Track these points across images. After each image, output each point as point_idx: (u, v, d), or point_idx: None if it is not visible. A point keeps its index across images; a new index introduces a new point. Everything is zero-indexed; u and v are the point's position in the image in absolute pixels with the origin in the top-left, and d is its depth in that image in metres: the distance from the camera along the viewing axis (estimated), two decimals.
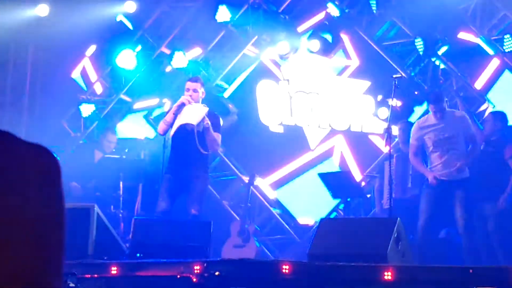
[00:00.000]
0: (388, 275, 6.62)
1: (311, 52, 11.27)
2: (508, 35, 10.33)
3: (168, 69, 11.70)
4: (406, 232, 7.72)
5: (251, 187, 10.69)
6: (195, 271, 7.07)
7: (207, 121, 8.72)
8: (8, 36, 11.41)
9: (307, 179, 11.53)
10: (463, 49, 10.59)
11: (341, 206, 10.75)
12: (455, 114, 8.98)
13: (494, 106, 10.35)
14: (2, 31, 11.31)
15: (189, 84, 8.93)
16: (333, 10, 11.23)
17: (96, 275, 7.30)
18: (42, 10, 11.70)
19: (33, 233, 1.59)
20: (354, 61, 11.44)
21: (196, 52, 11.75)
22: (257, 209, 11.09)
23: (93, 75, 12.19)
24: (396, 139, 10.07)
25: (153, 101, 11.94)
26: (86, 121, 12.02)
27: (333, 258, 7.09)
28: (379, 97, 10.79)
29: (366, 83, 11.23)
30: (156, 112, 11.82)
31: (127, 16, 12.00)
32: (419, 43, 10.64)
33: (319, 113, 11.45)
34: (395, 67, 10.71)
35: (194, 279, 7.04)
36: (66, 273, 6.68)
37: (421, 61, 10.82)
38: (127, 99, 12.16)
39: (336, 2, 11.21)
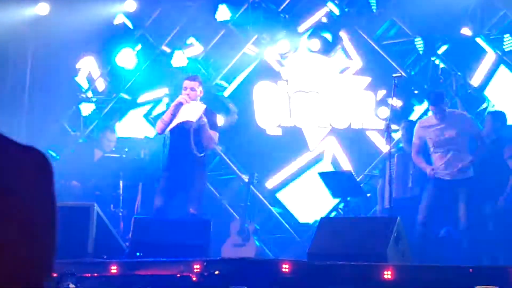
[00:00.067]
0: (387, 274, 6.62)
1: (311, 51, 11.26)
2: (507, 34, 10.33)
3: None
4: (406, 231, 7.73)
5: (251, 186, 10.68)
6: (195, 270, 7.07)
7: (204, 119, 8.72)
8: (8, 35, 11.40)
9: (306, 178, 11.53)
10: (463, 49, 10.58)
11: (341, 205, 10.75)
12: (456, 114, 8.98)
13: (493, 106, 10.34)
14: (2, 29, 11.31)
15: (186, 83, 8.93)
16: (333, 9, 11.24)
17: (95, 274, 7.31)
18: (42, 9, 11.69)
19: (28, 234, 1.61)
20: (354, 61, 11.42)
21: (195, 50, 11.74)
22: (257, 208, 11.08)
23: (94, 74, 12.19)
24: (396, 139, 10.08)
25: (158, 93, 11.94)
26: (86, 120, 12.02)
27: (332, 257, 7.10)
28: (381, 93, 10.79)
29: (367, 79, 11.22)
30: (156, 111, 11.82)
31: (127, 15, 12.00)
32: (419, 43, 10.65)
33: (319, 112, 11.42)
34: (395, 66, 10.71)
35: (194, 278, 7.04)
36: (65, 272, 6.70)
37: (421, 61, 10.82)
38: (127, 98, 12.17)
39: (336, 1, 11.21)
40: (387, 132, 8.37)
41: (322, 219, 8.56)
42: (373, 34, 11.08)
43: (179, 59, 11.51)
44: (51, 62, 11.78)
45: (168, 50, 11.77)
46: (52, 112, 11.83)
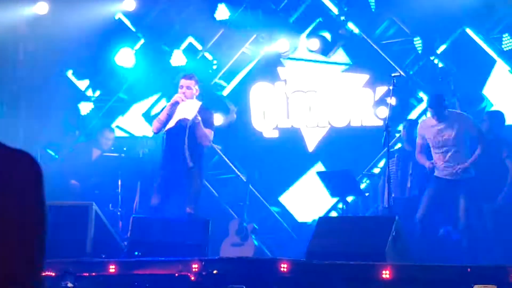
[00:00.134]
0: (386, 274, 6.63)
1: (311, 51, 11.25)
2: (506, 34, 10.33)
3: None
4: (405, 231, 7.73)
5: (250, 185, 10.69)
6: (193, 270, 7.08)
7: (198, 117, 8.71)
8: (7, 34, 11.39)
9: (305, 178, 11.52)
10: (462, 48, 10.58)
11: (340, 205, 10.75)
12: (455, 114, 8.98)
13: (492, 105, 10.35)
14: (0, 28, 11.30)
15: (183, 82, 8.93)
16: (332, 9, 11.24)
17: (94, 274, 7.31)
18: (41, 8, 11.69)
19: (18, 236, 1.64)
20: (354, 60, 11.43)
21: (194, 49, 11.75)
22: (256, 208, 11.08)
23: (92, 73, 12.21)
24: (395, 138, 10.08)
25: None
26: (85, 119, 12.02)
27: (331, 256, 7.10)
28: (380, 90, 10.80)
29: (365, 77, 11.22)
30: (155, 110, 11.81)
31: (126, 14, 12.00)
32: (417, 42, 10.65)
33: (318, 112, 11.42)
34: (394, 65, 10.71)
35: (192, 278, 7.04)
36: (63, 271, 6.70)
37: (419, 60, 10.82)
38: (126, 97, 12.18)
39: (335, 0, 11.21)
40: (385, 132, 8.38)
41: (320, 218, 8.56)
42: (372, 34, 11.08)
43: (178, 58, 11.51)
44: (50, 60, 11.77)
45: (167, 49, 11.76)
46: (51, 111, 11.83)
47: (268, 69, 11.65)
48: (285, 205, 11.59)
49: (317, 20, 11.39)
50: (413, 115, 10.75)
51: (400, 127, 10.14)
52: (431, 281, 6.61)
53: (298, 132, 11.53)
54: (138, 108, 12.16)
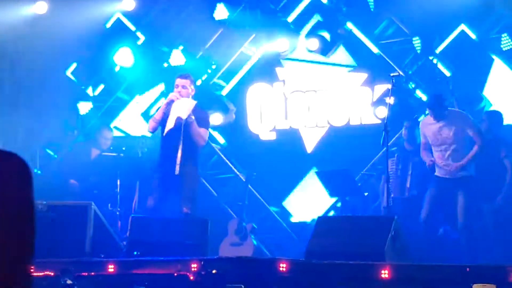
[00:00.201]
0: (385, 273, 6.63)
1: (310, 51, 11.24)
2: (505, 34, 10.33)
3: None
4: (404, 231, 7.73)
5: (249, 185, 10.68)
6: (192, 269, 7.08)
7: (192, 116, 8.70)
8: (6, 33, 11.39)
9: (304, 177, 11.52)
10: (460, 48, 10.58)
11: (339, 204, 10.75)
12: (454, 112, 8.99)
13: (491, 105, 10.35)
14: (0, 28, 11.30)
15: (178, 81, 8.92)
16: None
17: (93, 273, 7.30)
18: (41, 8, 11.69)
19: (7, 236, 1.66)
20: (354, 59, 11.43)
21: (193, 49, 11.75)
22: (255, 207, 11.08)
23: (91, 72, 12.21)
24: (394, 138, 10.07)
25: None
26: (84, 119, 12.02)
27: (330, 256, 7.10)
28: (378, 89, 10.80)
29: (363, 75, 11.21)
30: (154, 110, 11.81)
31: (125, 14, 12.00)
32: (416, 42, 10.65)
33: (317, 111, 11.40)
34: (393, 65, 10.72)
35: (191, 277, 7.05)
36: (62, 269, 6.70)
37: (418, 60, 10.82)
38: (125, 96, 12.17)
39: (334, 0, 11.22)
40: (384, 132, 8.38)
41: (319, 218, 8.56)
42: (371, 33, 11.08)
43: (177, 58, 11.51)
44: (49, 60, 11.77)
45: (166, 49, 11.76)
46: (50, 111, 11.82)
47: (267, 69, 11.64)
48: (284, 204, 11.58)
49: (315, 16, 11.36)
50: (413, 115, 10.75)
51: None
52: (430, 281, 6.61)
53: (297, 133, 11.51)
54: (137, 107, 12.16)
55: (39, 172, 11.25)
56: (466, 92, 10.38)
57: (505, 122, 9.61)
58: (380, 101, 10.72)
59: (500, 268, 6.65)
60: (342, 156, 10.95)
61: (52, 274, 7.06)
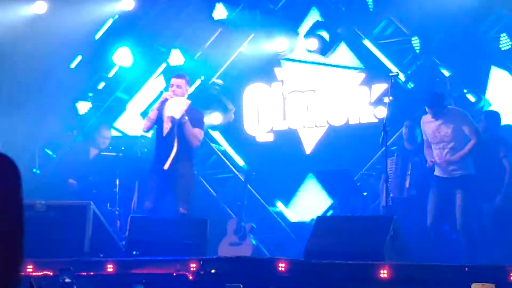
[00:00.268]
0: (384, 273, 6.63)
1: (309, 51, 11.23)
2: (504, 34, 10.34)
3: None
4: (403, 230, 7.73)
5: (248, 185, 10.68)
6: (191, 269, 7.08)
7: (185, 116, 8.67)
8: (5, 33, 11.39)
9: (303, 177, 11.51)
10: (459, 48, 10.59)
11: (338, 204, 10.74)
12: (453, 111, 8.99)
13: (490, 105, 10.35)
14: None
15: (173, 80, 8.91)
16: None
17: (92, 273, 7.31)
18: (40, 8, 11.69)
19: None
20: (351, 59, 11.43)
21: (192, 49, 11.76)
22: (254, 207, 11.08)
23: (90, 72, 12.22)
24: (393, 137, 10.07)
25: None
26: (83, 119, 12.02)
27: (329, 256, 7.11)
28: (377, 88, 10.81)
29: (361, 75, 11.21)
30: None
31: (124, 13, 12.00)
32: (415, 42, 10.65)
33: (316, 111, 11.39)
34: (392, 65, 10.72)
35: (190, 277, 7.05)
36: (61, 268, 6.70)
37: (417, 60, 10.82)
38: (124, 96, 12.18)
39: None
40: (383, 131, 8.38)
41: (318, 218, 8.56)
42: (370, 33, 11.08)
43: (176, 57, 11.51)
44: (48, 60, 11.76)
45: (164, 49, 11.76)
46: (49, 111, 11.82)
47: (265, 69, 11.63)
48: (284, 204, 11.58)
49: (312, 9, 11.36)
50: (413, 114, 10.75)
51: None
52: (429, 281, 6.62)
53: (295, 133, 11.49)
54: (136, 107, 12.16)
55: (38, 171, 11.25)
56: (464, 92, 10.38)
57: (504, 122, 9.61)
58: (379, 101, 10.73)
59: (499, 267, 6.65)
60: (341, 156, 10.93)
61: (51, 273, 7.06)
